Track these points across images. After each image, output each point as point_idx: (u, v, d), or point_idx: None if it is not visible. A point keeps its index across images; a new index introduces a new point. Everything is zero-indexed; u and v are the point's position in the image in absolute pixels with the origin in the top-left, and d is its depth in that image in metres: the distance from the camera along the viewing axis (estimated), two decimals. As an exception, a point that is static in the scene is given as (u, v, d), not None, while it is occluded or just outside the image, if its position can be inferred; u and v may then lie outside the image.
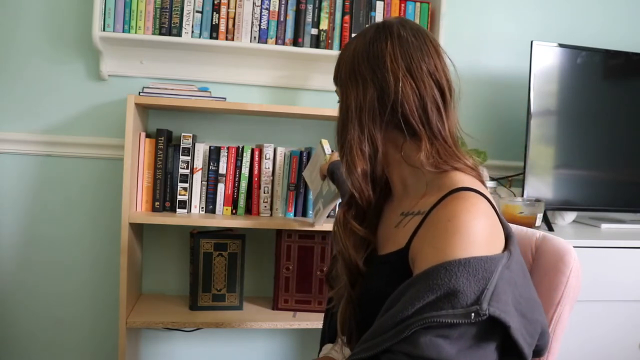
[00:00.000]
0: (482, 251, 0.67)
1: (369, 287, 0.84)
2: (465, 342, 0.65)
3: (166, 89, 1.61)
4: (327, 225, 1.57)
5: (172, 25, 1.62)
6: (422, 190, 0.82)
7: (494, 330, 0.67)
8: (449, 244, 0.67)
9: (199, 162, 1.64)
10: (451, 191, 0.74)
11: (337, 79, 0.89)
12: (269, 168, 1.68)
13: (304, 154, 1.70)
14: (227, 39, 1.65)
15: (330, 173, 1.42)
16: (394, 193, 0.91)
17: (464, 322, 0.63)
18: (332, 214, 1.62)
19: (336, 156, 1.58)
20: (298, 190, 1.70)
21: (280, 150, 1.69)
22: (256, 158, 1.67)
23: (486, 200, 0.73)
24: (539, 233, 0.96)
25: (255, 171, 1.67)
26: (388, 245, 0.83)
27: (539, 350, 0.76)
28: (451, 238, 0.67)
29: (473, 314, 0.63)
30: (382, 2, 1.72)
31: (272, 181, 1.69)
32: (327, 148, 1.54)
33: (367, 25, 0.86)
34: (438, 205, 0.73)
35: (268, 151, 1.67)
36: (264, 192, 1.67)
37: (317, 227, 1.57)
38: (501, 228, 0.75)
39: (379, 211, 0.92)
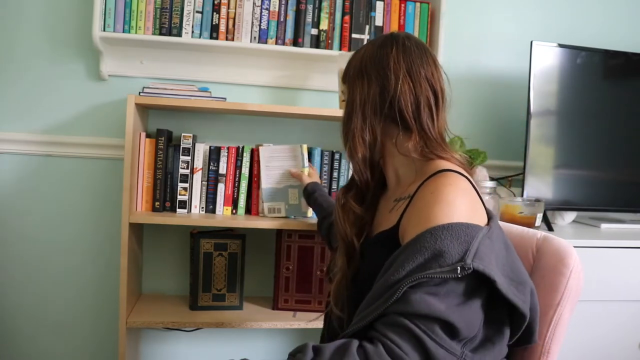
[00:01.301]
0: (463, 219, 0.75)
1: (363, 267, 0.93)
2: (453, 299, 0.71)
3: (166, 89, 1.61)
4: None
5: (172, 25, 1.62)
6: (412, 179, 0.91)
7: (480, 288, 0.74)
8: (432, 212, 0.76)
9: (199, 162, 1.64)
10: (435, 173, 0.84)
11: (345, 78, 0.99)
12: (269, 168, 1.68)
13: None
14: (227, 39, 1.65)
15: (309, 193, 1.52)
16: (388, 186, 1.00)
17: (451, 277, 0.70)
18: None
19: (314, 173, 1.61)
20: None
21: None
22: (256, 158, 1.67)
23: (468, 181, 0.83)
24: (540, 234, 0.96)
25: (255, 171, 1.67)
26: (381, 228, 0.93)
27: (530, 322, 0.80)
28: (434, 207, 0.76)
29: (459, 269, 0.70)
30: (382, 2, 1.72)
31: (272, 181, 1.69)
32: (306, 158, 1.59)
33: (369, 30, 0.98)
34: (423, 184, 0.83)
35: (268, 151, 1.67)
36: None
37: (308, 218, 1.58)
38: (483, 207, 0.84)
39: (374, 205, 1.01)
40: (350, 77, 0.96)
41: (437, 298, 0.70)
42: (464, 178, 0.83)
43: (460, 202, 0.77)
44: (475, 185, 0.85)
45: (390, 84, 0.90)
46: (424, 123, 0.90)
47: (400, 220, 0.85)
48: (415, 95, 0.90)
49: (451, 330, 0.71)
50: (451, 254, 0.70)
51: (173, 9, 1.62)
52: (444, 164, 0.87)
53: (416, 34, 1.73)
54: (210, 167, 1.65)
